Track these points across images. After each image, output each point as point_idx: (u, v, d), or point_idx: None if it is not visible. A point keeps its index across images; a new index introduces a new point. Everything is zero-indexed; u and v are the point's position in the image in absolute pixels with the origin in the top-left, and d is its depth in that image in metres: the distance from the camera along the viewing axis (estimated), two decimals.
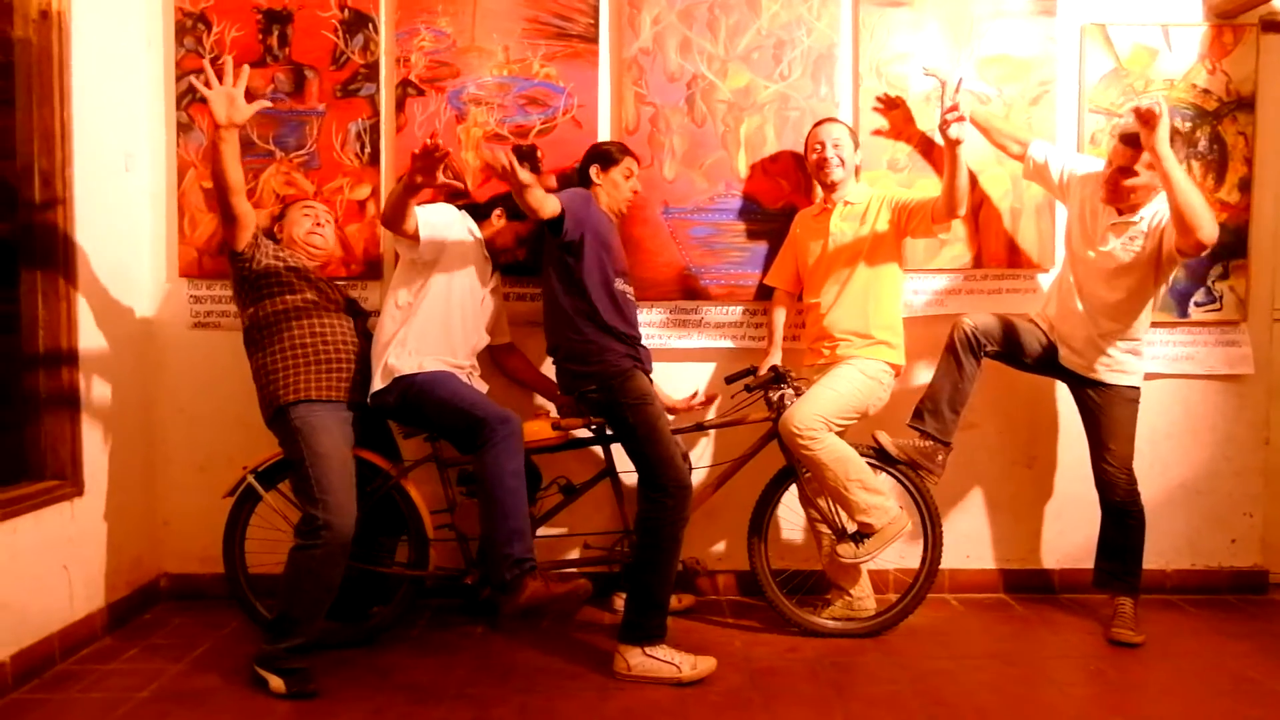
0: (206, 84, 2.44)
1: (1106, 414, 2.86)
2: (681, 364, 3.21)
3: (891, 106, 3.13)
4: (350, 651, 2.71)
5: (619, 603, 3.06)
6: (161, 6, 3.13)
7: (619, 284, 2.75)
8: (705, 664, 2.53)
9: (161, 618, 3.03)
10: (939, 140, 2.87)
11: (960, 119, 2.62)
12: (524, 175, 2.41)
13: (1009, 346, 2.86)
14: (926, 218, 2.79)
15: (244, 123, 2.50)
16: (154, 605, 3.13)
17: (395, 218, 2.54)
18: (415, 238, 2.61)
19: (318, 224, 2.84)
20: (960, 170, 2.66)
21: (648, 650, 2.53)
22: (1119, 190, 2.67)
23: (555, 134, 3.15)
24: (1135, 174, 2.63)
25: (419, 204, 2.61)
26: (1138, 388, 2.86)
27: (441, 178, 2.46)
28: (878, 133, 3.16)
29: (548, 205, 2.51)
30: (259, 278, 2.66)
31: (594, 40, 3.16)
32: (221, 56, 3.09)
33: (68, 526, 2.69)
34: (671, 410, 3.07)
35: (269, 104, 2.65)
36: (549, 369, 2.92)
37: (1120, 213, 2.74)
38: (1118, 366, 2.82)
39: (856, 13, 3.18)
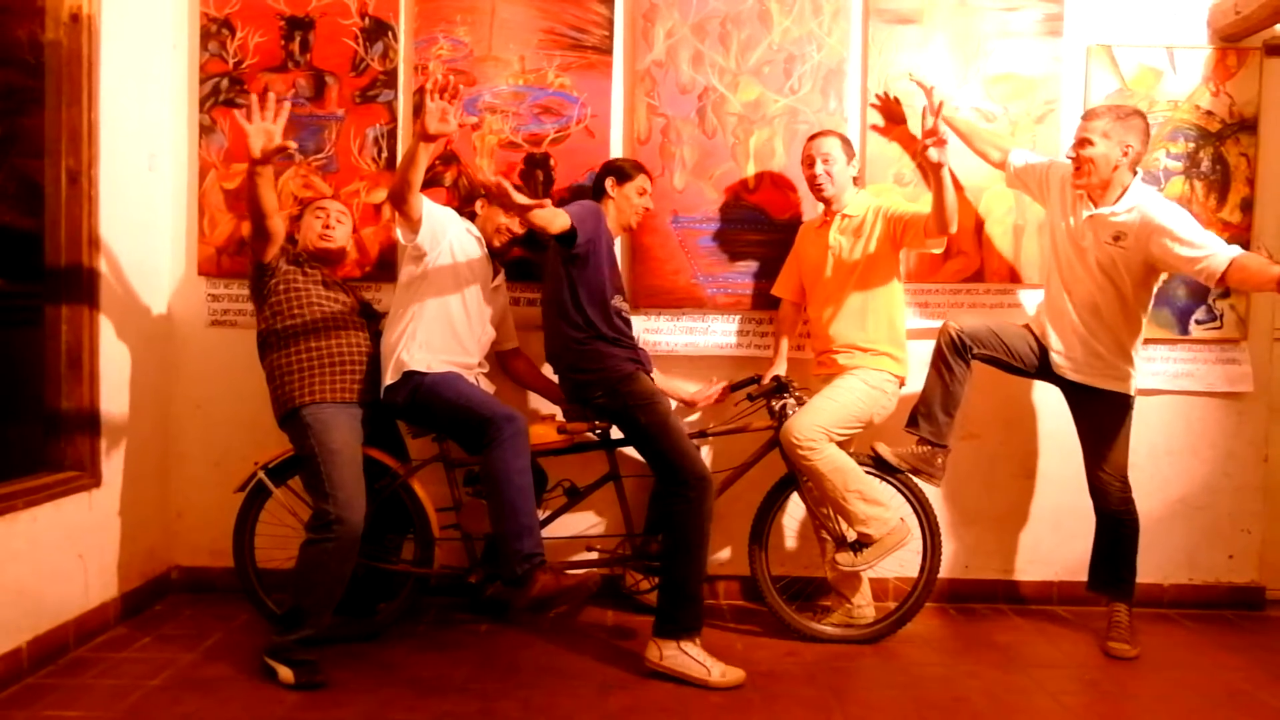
0: (248, 117, 2.49)
1: (1099, 420, 2.88)
2: (687, 371, 3.26)
3: (892, 116, 3.10)
4: (356, 646, 2.76)
5: (630, 580, 3.09)
6: (187, 11, 3.20)
7: (615, 301, 2.81)
8: (734, 674, 2.54)
9: (172, 609, 3.09)
10: (925, 161, 2.78)
11: (940, 143, 2.59)
12: (520, 198, 2.39)
13: (997, 349, 2.88)
14: (919, 232, 2.79)
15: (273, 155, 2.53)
16: (165, 596, 3.19)
17: (403, 185, 2.55)
18: (417, 223, 2.66)
19: (327, 226, 2.88)
20: (946, 191, 2.64)
21: (684, 645, 2.56)
22: (1079, 162, 2.72)
23: (568, 143, 3.22)
24: (1091, 143, 2.69)
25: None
26: (1130, 395, 2.85)
27: (453, 123, 2.48)
28: (876, 128, 3.15)
29: (556, 221, 2.53)
30: (278, 285, 2.72)
31: (608, 52, 3.23)
32: (245, 61, 3.18)
33: (85, 517, 2.75)
34: (689, 403, 3.13)
35: (293, 147, 2.76)
36: (553, 373, 2.98)
37: (1095, 204, 2.76)
38: (1110, 372, 2.82)
39: (866, 29, 3.24)
